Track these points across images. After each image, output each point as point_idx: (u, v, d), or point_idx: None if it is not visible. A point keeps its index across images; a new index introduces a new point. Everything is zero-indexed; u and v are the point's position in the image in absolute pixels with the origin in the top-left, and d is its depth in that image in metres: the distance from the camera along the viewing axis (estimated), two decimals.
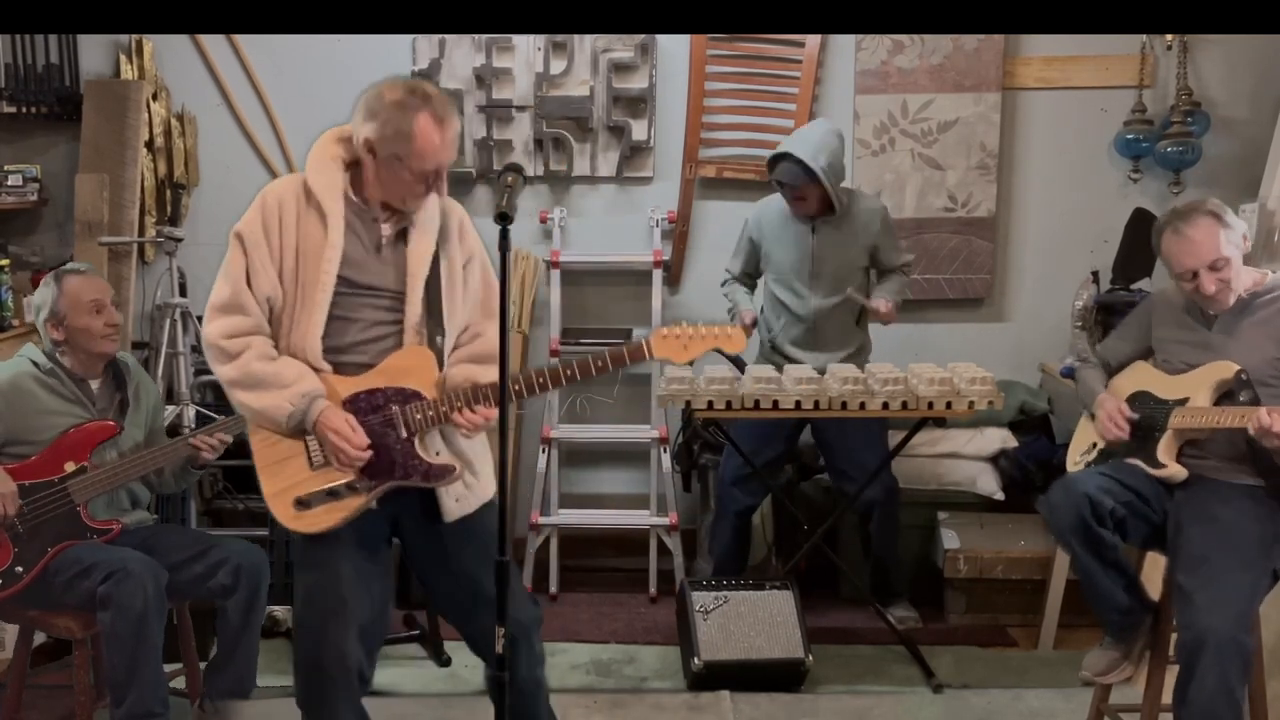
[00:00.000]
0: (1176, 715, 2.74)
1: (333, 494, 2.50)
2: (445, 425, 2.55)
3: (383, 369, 2.53)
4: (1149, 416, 2.98)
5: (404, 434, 2.52)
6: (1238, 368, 2.84)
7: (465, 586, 2.60)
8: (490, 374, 2.53)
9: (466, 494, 2.60)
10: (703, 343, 2.57)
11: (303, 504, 2.50)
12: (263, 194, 2.54)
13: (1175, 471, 2.90)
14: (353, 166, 2.56)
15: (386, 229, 2.55)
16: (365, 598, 2.53)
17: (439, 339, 2.57)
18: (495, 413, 2.50)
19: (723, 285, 4.31)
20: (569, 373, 2.55)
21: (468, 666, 3.86)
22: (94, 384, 3.26)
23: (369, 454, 2.49)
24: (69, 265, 3.34)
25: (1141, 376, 3.08)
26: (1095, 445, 3.15)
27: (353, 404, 2.51)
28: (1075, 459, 3.19)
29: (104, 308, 3.22)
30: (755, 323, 4.17)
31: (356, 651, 2.52)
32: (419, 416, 2.52)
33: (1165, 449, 2.92)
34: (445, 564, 2.62)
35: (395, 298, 2.55)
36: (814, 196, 3.94)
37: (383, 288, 2.54)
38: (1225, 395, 2.87)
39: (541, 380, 2.55)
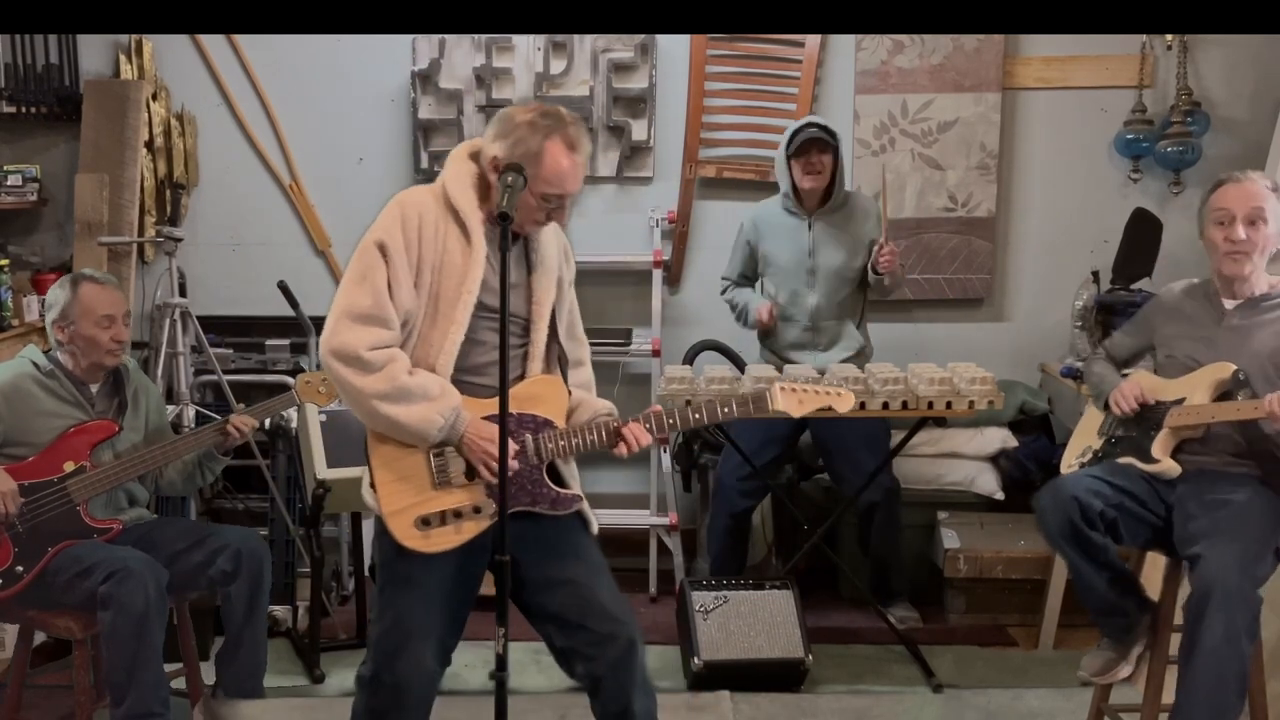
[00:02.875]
0: (1181, 671, 2.71)
1: (457, 515, 2.46)
2: (577, 455, 2.55)
3: (514, 394, 2.45)
4: (1147, 417, 2.99)
5: (534, 461, 2.50)
6: (1234, 368, 2.85)
7: (576, 596, 2.53)
8: (605, 403, 2.62)
9: (589, 510, 2.64)
10: (816, 399, 2.66)
11: (426, 523, 2.45)
12: (400, 203, 2.44)
13: (1168, 467, 2.92)
14: (480, 183, 2.49)
15: (513, 253, 2.49)
16: (449, 613, 2.49)
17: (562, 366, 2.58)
18: (650, 440, 2.55)
19: (723, 294, 4.31)
20: (696, 416, 2.59)
21: (467, 666, 3.85)
22: (94, 386, 3.26)
23: (516, 464, 2.44)
24: (89, 271, 3.31)
25: (1141, 383, 3.08)
26: (1090, 449, 3.15)
27: None
28: (1070, 462, 3.20)
29: (114, 323, 3.21)
30: (772, 313, 4.12)
31: (434, 666, 2.48)
32: (550, 445, 2.51)
33: (1160, 446, 2.94)
34: (560, 576, 2.55)
35: (521, 324, 2.52)
36: (826, 170, 4.00)
37: (513, 314, 2.46)
38: (1223, 396, 2.88)
39: (671, 422, 2.57)
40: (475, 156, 2.49)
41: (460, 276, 2.43)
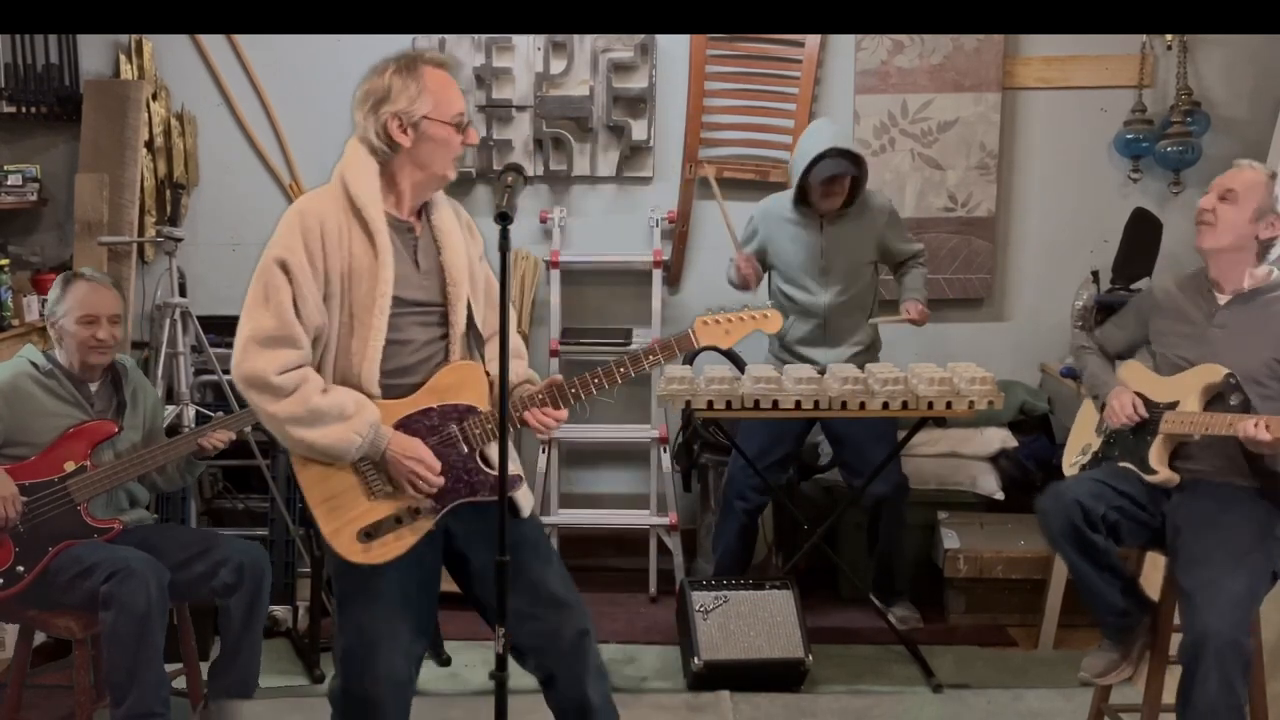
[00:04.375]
0: (1180, 717, 2.74)
1: (398, 521, 2.42)
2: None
3: (430, 388, 2.44)
4: (1141, 419, 2.99)
5: (465, 450, 2.46)
6: (1226, 371, 2.84)
7: (527, 587, 2.49)
8: (526, 369, 2.58)
9: (527, 492, 2.58)
10: (743, 326, 2.60)
11: (368, 535, 2.41)
12: (299, 213, 2.37)
13: (1167, 477, 2.91)
14: (382, 177, 2.45)
15: (420, 238, 2.46)
16: (413, 617, 2.47)
17: (481, 347, 2.54)
18: (566, 413, 2.51)
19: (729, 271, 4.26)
20: (622, 370, 2.52)
21: (468, 666, 3.85)
22: (93, 386, 3.26)
23: (442, 478, 2.42)
24: (85, 270, 3.30)
25: (1135, 377, 3.08)
26: (1089, 447, 3.15)
27: (405, 428, 2.41)
28: (1070, 460, 3.20)
29: (95, 321, 3.19)
30: (751, 263, 4.09)
31: (405, 668, 2.46)
32: (478, 431, 2.46)
33: (1157, 455, 2.93)
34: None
35: (439, 311, 2.47)
36: (845, 188, 3.98)
37: (428, 302, 2.44)
38: (1216, 398, 2.86)
39: (597, 381, 2.51)
40: (372, 150, 2.44)
41: (371, 280, 2.36)
